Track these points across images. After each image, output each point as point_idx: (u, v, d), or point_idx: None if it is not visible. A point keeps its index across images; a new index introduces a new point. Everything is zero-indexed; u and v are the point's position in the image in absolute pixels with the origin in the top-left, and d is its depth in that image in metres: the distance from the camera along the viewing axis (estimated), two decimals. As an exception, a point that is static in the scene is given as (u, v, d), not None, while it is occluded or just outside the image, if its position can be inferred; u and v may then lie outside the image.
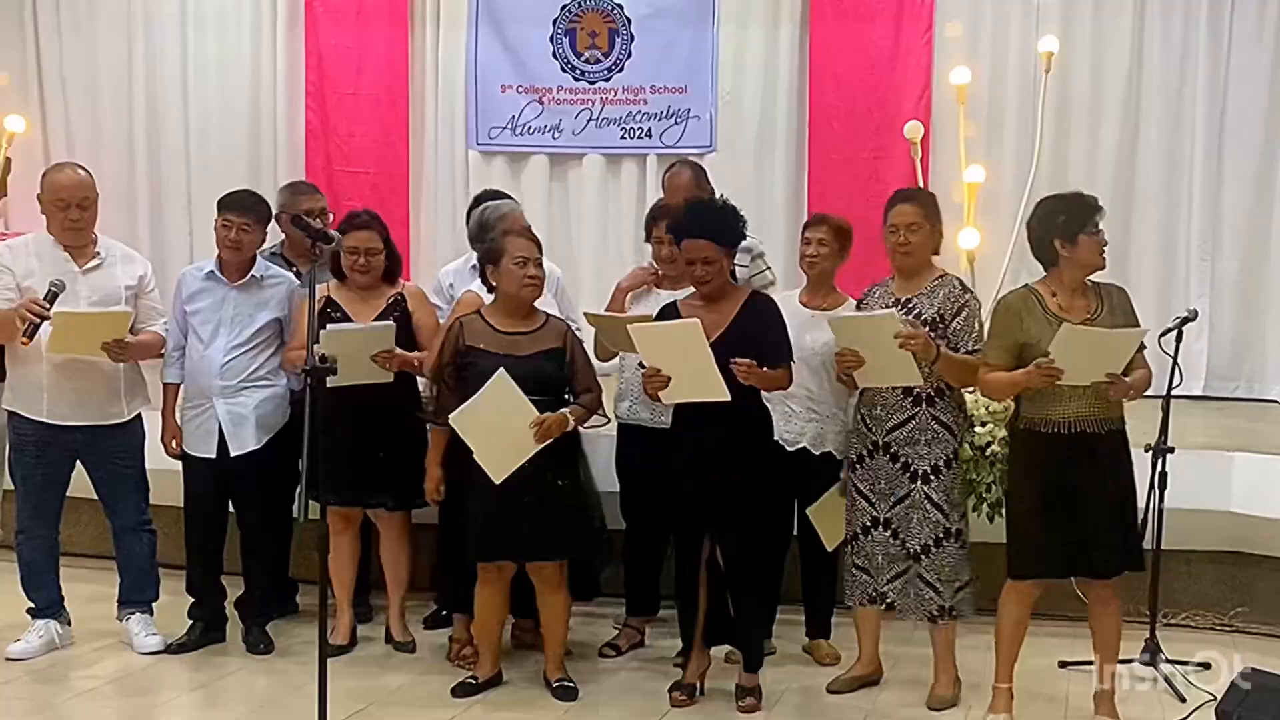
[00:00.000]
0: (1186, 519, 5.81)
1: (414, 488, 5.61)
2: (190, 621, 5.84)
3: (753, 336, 5.00)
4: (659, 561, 5.82)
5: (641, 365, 5.14)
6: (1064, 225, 4.81)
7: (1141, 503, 5.29)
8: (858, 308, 5.31)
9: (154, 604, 5.88)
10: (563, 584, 5.29)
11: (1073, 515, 4.80)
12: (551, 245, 9.12)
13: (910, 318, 5.03)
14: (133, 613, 5.82)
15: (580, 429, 5.32)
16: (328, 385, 5.25)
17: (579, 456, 5.46)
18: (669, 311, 5.18)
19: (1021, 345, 4.78)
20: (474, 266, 5.93)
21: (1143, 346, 4.85)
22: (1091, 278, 4.90)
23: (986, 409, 5.80)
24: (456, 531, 5.37)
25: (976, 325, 5.10)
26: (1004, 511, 5.32)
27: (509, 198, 6.22)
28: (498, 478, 5.01)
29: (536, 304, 5.30)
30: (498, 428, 5.01)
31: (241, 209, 5.70)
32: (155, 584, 5.90)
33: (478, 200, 6.19)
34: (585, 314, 5.64)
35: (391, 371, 5.50)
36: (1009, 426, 5.11)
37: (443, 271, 6.35)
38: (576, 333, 5.45)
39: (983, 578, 5.27)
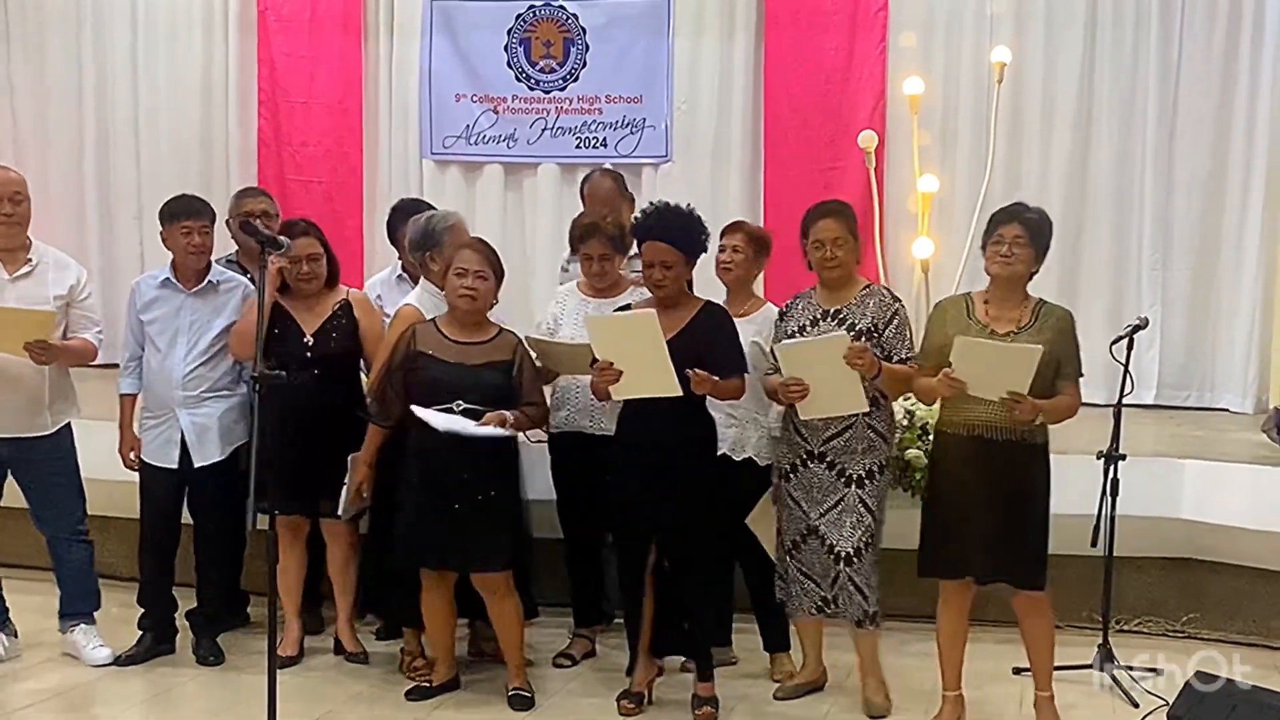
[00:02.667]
0: (1138, 526, 5.85)
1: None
2: (140, 633, 5.78)
3: (702, 344, 5.00)
4: (600, 570, 5.83)
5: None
6: (985, 238, 4.93)
7: (1093, 509, 5.32)
8: (780, 318, 5.31)
9: (96, 614, 5.82)
10: (510, 590, 5.28)
11: (960, 517, 4.85)
12: (506, 255, 9.06)
13: (843, 329, 5.05)
14: (76, 624, 5.76)
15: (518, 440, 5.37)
16: None
17: (516, 467, 5.46)
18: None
19: (943, 348, 4.81)
20: (399, 276, 6.07)
21: (1078, 375, 4.86)
22: (1045, 297, 4.95)
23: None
24: (388, 542, 5.37)
25: (908, 333, 5.11)
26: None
27: (430, 205, 6.21)
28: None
29: None
30: None
31: (197, 213, 5.68)
32: (95, 594, 5.83)
33: (401, 210, 6.25)
34: (526, 338, 5.55)
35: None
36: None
37: (370, 282, 6.31)
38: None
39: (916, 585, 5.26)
